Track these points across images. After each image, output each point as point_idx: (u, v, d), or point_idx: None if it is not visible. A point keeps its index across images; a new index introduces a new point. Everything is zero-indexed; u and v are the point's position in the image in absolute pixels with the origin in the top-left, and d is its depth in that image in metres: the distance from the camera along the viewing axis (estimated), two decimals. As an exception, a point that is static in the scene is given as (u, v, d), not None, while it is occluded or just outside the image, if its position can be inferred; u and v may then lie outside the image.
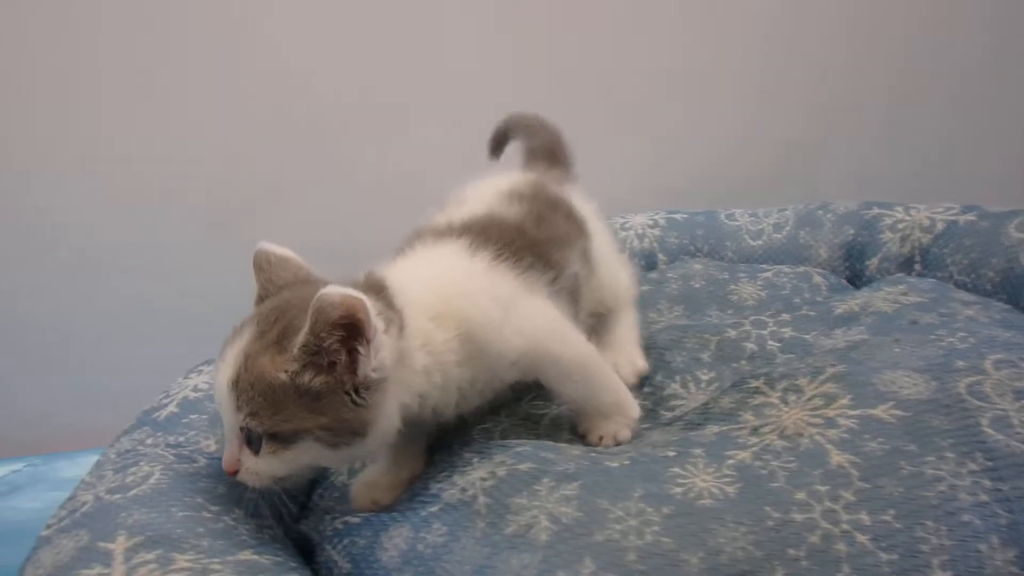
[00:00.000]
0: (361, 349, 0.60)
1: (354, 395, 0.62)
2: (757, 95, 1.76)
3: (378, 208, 1.56)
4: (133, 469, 0.71)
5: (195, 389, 0.88)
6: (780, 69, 1.75)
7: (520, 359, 0.73)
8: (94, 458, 1.33)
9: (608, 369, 0.79)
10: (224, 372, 0.63)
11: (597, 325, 0.94)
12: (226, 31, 1.50)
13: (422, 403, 0.70)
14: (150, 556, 0.58)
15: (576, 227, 0.90)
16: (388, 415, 0.65)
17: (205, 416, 0.84)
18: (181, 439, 0.79)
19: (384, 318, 0.63)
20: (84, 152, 1.51)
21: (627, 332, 0.95)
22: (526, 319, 0.73)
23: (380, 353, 0.61)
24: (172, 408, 0.85)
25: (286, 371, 0.60)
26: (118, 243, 1.56)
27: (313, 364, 0.60)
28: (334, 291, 0.58)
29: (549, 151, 1.03)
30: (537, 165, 1.01)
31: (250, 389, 0.61)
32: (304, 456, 0.63)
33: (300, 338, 0.60)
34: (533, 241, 0.79)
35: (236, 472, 0.65)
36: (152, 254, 1.57)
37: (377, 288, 0.68)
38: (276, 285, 0.70)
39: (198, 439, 0.80)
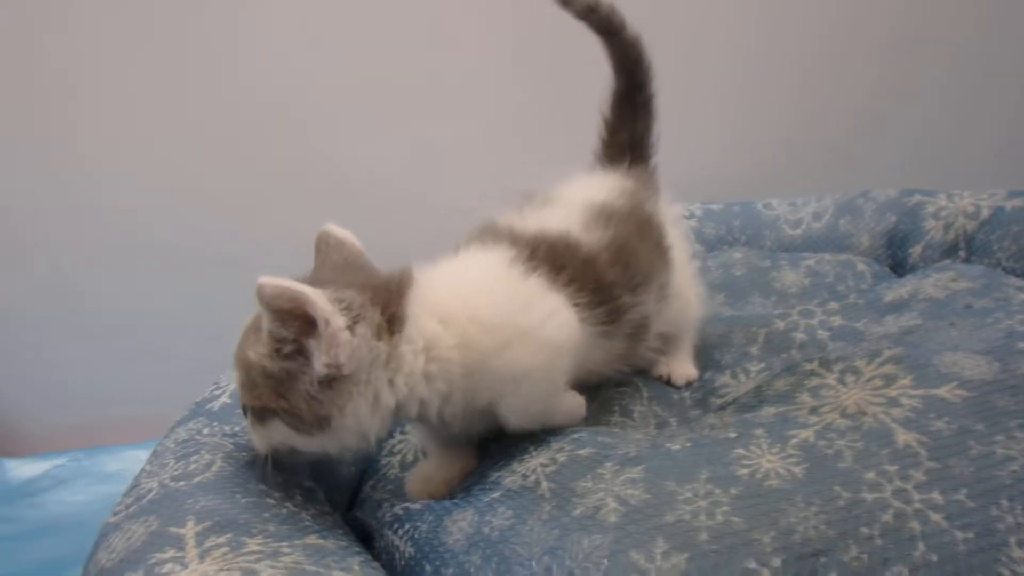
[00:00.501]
0: (313, 342, 0.59)
1: (309, 387, 0.61)
2: (758, 93, 1.73)
3: (374, 208, 1.56)
4: (195, 457, 0.71)
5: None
6: (780, 68, 1.72)
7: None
8: (137, 452, 1.35)
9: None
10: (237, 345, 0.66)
11: None
12: (222, 29, 1.48)
13: (423, 409, 0.67)
14: (221, 540, 0.59)
15: (661, 258, 0.83)
16: (357, 414, 0.63)
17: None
18: (237, 428, 0.80)
19: (355, 315, 0.61)
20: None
21: (684, 344, 0.91)
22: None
23: (334, 350, 0.59)
24: (225, 399, 0.86)
25: (256, 352, 0.62)
26: (121, 241, 1.55)
27: (279, 350, 0.61)
28: (270, 280, 0.57)
29: (635, 143, 0.92)
30: (620, 162, 0.91)
31: (239, 364, 0.64)
32: (276, 435, 0.64)
33: (266, 323, 0.60)
34: (598, 282, 0.73)
35: None
36: (158, 254, 1.57)
37: (387, 284, 0.65)
38: (326, 267, 0.70)
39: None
